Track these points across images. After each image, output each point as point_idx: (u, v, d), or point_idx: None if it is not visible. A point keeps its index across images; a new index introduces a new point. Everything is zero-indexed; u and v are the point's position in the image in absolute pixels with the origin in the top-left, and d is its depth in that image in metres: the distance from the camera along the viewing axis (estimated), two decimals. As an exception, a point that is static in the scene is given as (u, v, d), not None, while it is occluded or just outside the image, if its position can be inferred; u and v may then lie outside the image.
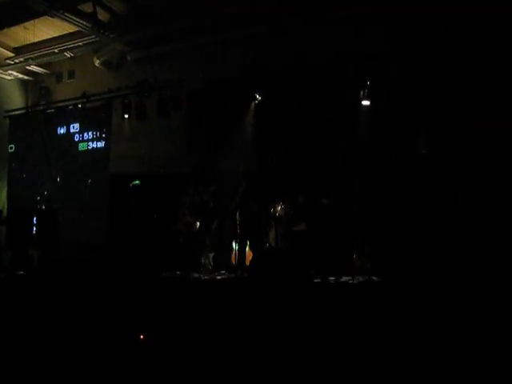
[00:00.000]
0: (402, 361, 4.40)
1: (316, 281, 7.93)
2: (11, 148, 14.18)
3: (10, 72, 14.52)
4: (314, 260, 8.35)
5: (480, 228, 8.15)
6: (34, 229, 11.45)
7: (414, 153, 9.63)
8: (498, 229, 8.06)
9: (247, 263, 9.21)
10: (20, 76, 14.92)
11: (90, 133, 13.10)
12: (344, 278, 8.10)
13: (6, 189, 14.35)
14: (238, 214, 9.43)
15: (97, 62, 13.54)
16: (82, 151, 13.16)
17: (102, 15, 11.82)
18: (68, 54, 13.55)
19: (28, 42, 13.22)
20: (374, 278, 8.03)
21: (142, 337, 5.74)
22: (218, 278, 9.16)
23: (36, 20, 12.01)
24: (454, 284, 6.60)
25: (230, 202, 9.72)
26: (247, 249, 9.58)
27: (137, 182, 10.30)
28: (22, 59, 13.88)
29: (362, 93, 9.96)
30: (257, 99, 11.16)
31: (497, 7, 8.65)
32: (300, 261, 8.08)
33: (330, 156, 9.97)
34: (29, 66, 14.29)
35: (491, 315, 5.31)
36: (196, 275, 9.33)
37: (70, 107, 13.08)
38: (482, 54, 8.79)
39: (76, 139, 13.29)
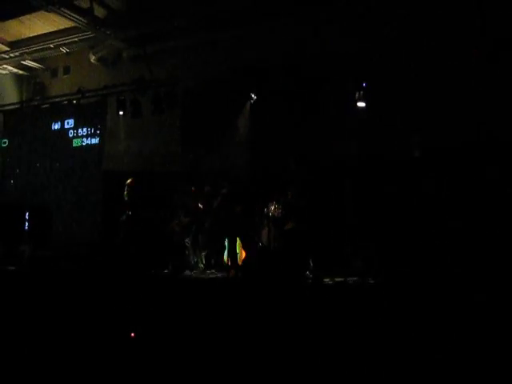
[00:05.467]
0: (397, 362, 4.39)
1: (310, 281, 7.92)
2: (4, 143, 14.13)
3: (4, 66, 14.49)
4: (307, 260, 8.35)
5: (473, 228, 8.18)
6: (27, 224, 11.43)
7: (407, 154, 9.66)
8: (491, 229, 8.09)
9: (240, 263, 9.19)
10: (15, 71, 14.87)
11: (84, 129, 13.10)
12: (337, 279, 8.09)
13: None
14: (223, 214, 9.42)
15: (92, 59, 13.50)
16: (77, 147, 13.14)
17: (99, 11, 11.78)
18: (64, 50, 13.48)
19: (24, 37, 13.14)
20: (368, 279, 8.01)
21: (132, 335, 5.73)
22: (211, 276, 9.13)
23: (32, 14, 11.98)
24: (447, 285, 6.61)
25: (214, 203, 9.74)
26: (238, 248, 9.55)
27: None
28: (17, 54, 13.81)
29: (357, 94, 9.93)
30: (252, 98, 11.13)
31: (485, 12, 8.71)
32: (293, 261, 8.07)
33: (324, 156, 9.97)
34: (24, 60, 14.23)
35: (485, 316, 5.32)
36: (188, 273, 9.31)
37: (65, 103, 12.99)
38: (473, 57, 8.83)
39: (70, 135, 13.27)
